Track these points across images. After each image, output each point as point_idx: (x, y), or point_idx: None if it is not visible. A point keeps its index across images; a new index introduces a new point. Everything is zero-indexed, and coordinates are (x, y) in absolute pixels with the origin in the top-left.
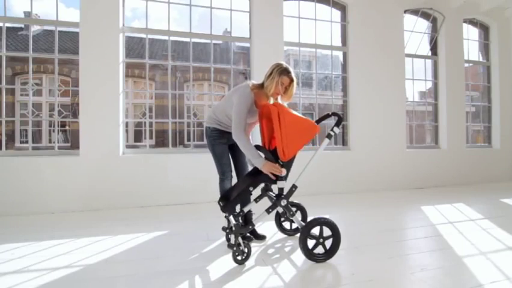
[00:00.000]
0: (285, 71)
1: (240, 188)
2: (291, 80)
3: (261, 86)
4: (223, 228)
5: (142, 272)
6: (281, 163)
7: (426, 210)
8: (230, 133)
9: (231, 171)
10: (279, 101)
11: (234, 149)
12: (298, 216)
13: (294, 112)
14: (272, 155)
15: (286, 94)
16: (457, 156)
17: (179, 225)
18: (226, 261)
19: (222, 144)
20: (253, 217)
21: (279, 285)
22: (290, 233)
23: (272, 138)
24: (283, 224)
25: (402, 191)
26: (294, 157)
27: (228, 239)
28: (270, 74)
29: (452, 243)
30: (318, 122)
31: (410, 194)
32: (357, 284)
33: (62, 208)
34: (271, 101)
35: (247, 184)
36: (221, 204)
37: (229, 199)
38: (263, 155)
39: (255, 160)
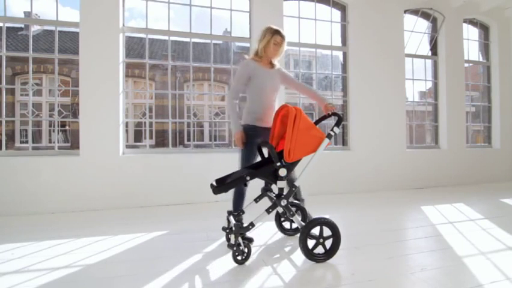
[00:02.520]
0: (276, 31)
1: (237, 175)
2: (283, 38)
3: (257, 52)
4: (223, 228)
5: (142, 272)
6: (284, 163)
7: (426, 210)
8: (265, 129)
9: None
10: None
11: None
12: (298, 216)
13: (310, 120)
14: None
15: (278, 51)
16: (457, 156)
17: (179, 225)
18: (226, 261)
19: (255, 144)
20: (254, 217)
21: (279, 285)
22: (290, 233)
23: (281, 140)
24: (283, 224)
25: (402, 191)
26: (298, 161)
27: (228, 239)
28: (264, 36)
29: (452, 243)
30: (318, 122)
31: (410, 194)
32: (357, 284)
33: (62, 208)
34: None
35: (246, 173)
36: (214, 185)
37: (224, 183)
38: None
39: (233, 125)
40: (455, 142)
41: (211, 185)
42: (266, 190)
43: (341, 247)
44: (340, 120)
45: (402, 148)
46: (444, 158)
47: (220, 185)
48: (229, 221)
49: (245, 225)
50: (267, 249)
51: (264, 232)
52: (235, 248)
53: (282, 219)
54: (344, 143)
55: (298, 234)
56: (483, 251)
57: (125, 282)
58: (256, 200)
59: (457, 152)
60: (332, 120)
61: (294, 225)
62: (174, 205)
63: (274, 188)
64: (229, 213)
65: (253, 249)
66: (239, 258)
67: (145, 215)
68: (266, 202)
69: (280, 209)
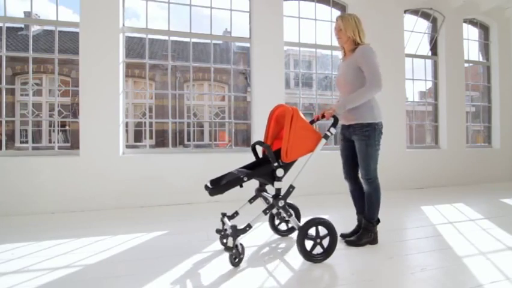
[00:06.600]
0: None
1: (234, 175)
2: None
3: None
4: (217, 231)
5: (142, 272)
6: (281, 164)
7: (426, 210)
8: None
9: (345, 172)
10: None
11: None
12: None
13: (306, 120)
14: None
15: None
16: (457, 156)
17: (179, 225)
18: (225, 261)
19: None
20: (251, 218)
21: (279, 285)
22: (284, 233)
23: (275, 140)
24: (278, 225)
25: (402, 191)
26: (294, 161)
27: (223, 242)
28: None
29: (452, 243)
30: (313, 122)
31: (410, 194)
32: (357, 284)
33: (62, 208)
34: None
35: (243, 174)
36: (209, 186)
37: (219, 183)
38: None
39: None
40: (455, 142)
41: (206, 187)
42: (260, 191)
43: (340, 247)
44: (336, 121)
45: (402, 148)
46: (444, 158)
47: (216, 187)
48: (223, 223)
49: (242, 226)
50: (266, 249)
51: (263, 233)
52: (234, 251)
53: (277, 221)
54: None
55: (294, 235)
56: (483, 251)
57: (125, 282)
58: (251, 201)
59: (457, 152)
60: (331, 121)
61: (289, 225)
62: (174, 205)
63: (269, 188)
64: (223, 215)
65: (251, 250)
66: (236, 260)
67: (145, 215)
68: (262, 203)
69: (274, 210)
